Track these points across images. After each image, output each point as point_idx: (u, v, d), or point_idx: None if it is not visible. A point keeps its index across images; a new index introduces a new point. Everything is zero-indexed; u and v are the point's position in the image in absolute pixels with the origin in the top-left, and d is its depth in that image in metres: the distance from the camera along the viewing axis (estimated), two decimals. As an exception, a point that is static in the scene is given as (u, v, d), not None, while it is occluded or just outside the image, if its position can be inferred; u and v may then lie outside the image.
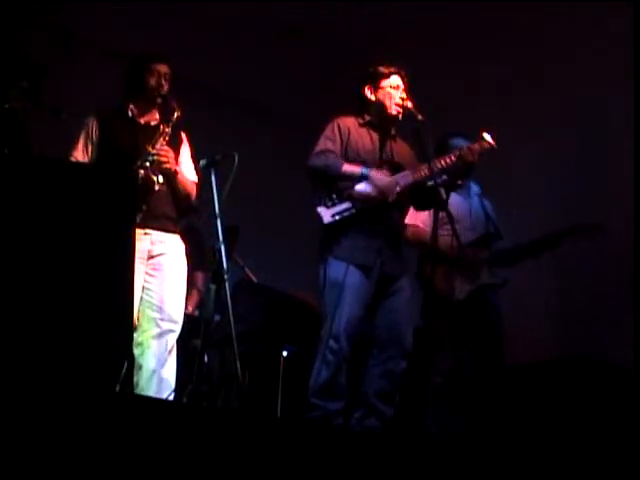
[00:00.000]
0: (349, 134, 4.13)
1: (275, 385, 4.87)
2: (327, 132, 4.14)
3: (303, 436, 2.59)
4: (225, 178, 3.72)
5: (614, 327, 4.87)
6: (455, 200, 4.58)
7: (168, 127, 3.88)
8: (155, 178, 3.81)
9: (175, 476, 2.23)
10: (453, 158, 4.07)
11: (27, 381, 2.31)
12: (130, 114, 3.98)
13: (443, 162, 4.05)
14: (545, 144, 5.36)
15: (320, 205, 4.01)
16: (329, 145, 4.09)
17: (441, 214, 4.01)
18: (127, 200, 2.96)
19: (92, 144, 3.92)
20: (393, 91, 4.15)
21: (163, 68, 3.97)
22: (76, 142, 3.94)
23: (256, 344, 5.04)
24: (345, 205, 3.99)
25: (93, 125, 3.94)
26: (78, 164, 3.74)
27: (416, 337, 4.08)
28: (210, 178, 3.77)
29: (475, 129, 5.50)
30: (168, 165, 3.87)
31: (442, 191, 3.92)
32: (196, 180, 4.03)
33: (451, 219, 4.00)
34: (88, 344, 2.55)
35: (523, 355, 4.73)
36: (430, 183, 3.98)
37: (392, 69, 4.20)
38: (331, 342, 3.85)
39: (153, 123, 4.00)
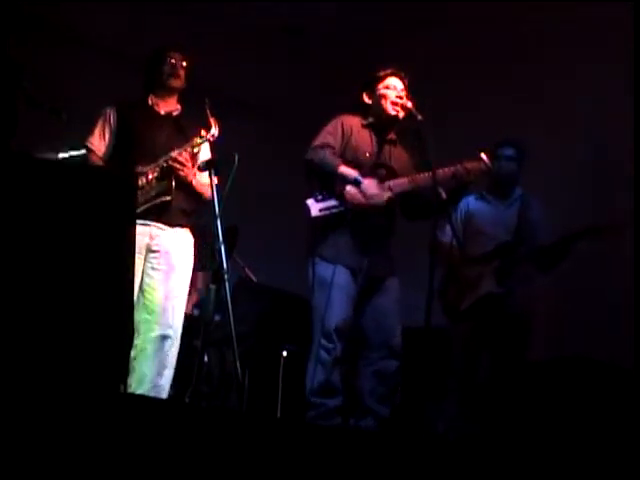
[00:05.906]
0: (351, 133, 4.11)
1: (275, 385, 4.88)
2: (329, 127, 4.12)
3: (303, 436, 2.59)
4: (225, 178, 3.72)
5: (614, 327, 4.87)
6: (480, 210, 4.56)
7: (200, 142, 3.89)
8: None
9: (175, 476, 2.23)
10: (449, 173, 3.97)
11: (25, 380, 2.31)
12: (150, 102, 4.01)
13: (442, 173, 3.94)
14: (545, 145, 5.35)
15: (309, 197, 3.98)
16: (329, 140, 4.06)
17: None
18: (127, 200, 2.96)
19: (110, 131, 3.95)
20: (388, 91, 4.11)
21: (177, 56, 4.00)
22: (93, 128, 3.98)
23: (256, 344, 5.05)
24: (334, 202, 3.96)
25: (112, 113, 3.97)
26: (78, 165, 3.74)
27: (423, 338, 4.07)
28: (210, 178, 3.76)
29: (475, 129, 5.50)
30: (182, 174, 3.86)
31: (442, 192, 3.91)
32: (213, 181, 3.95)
33: (451, 222, 3.97)
34: (87, 343, 2.55)
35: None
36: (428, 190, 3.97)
37: (388, 71, 4.17)
38: (324, 341, 3.86)
39: (175, 113, 4.03)
